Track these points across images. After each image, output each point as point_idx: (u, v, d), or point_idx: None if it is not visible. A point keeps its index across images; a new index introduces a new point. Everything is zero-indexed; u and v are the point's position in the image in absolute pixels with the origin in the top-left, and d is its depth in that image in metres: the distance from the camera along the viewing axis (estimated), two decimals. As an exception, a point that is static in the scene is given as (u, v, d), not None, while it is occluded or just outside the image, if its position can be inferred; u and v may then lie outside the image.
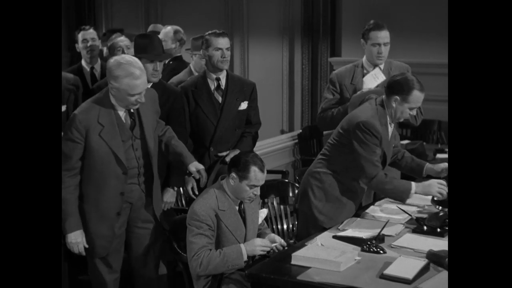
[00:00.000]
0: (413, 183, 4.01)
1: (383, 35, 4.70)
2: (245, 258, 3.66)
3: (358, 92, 4.63)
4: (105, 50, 6.50)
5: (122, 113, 3.71)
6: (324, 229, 4.00)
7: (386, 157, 4.12)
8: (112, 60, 3.66)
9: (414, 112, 4.01)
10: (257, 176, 3.71)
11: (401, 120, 4.08)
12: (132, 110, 3.74)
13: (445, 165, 4.21)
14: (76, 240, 3.71)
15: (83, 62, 5.78)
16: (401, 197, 4.03)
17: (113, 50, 5.64)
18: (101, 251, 3.83)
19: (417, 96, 3.92)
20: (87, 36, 5.81)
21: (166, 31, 6.09)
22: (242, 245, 3.68)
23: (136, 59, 3.71)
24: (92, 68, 5.80)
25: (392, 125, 4.13)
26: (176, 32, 6.10)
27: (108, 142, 3.64)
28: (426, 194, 4.05)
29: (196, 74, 5.55)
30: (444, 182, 4.03)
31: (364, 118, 3.98)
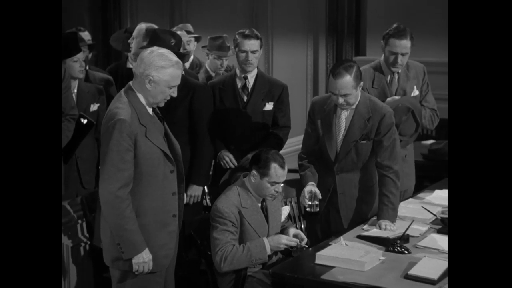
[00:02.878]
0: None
1: (402, 45, 4.39)
2: (269, 251, 3.67)
3: (390, 99, 4.44)
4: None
5: (150, 110, 3.40)
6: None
7: (327, 149, 4.07)
8: (148, 51, 3.34)
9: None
10: (277, 172, 3.71)
11: None
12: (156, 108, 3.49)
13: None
14: (149, 257, 3.34)
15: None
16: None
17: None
18: (165, 261, 3.46)
19: None
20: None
21: (139, 28, 5.43)
22: (265, 239, 3.70)
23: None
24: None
25: (345, 112, 4.03)
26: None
27: (154, 141, 3.34)
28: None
29: (213, 74, 5.53)
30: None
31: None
